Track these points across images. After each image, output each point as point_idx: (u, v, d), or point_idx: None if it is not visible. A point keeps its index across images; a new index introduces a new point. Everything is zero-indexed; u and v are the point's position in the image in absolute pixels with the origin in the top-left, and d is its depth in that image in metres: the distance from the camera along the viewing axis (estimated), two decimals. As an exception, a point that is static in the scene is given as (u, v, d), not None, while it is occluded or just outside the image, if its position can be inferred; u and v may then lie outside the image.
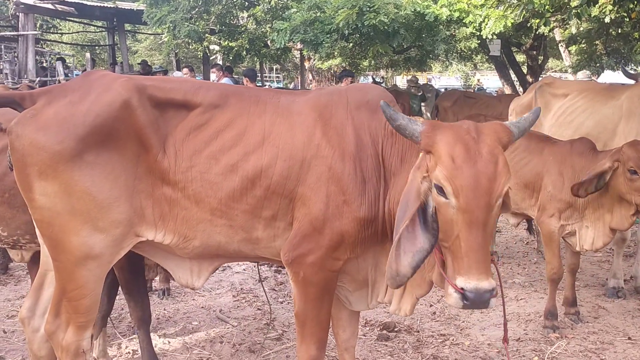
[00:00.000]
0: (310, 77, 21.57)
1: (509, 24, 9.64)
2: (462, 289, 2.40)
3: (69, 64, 18.97)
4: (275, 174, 2.90)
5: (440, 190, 2.44)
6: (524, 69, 17.24)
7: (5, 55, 16.29)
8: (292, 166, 2.90)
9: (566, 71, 21.24)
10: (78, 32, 30.03)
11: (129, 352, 4.38)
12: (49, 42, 26.74)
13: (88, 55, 17.89)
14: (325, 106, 3.02)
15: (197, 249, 3.01)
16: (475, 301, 2.39)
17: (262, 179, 2.89)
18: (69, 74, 16.37)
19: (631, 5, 8.38)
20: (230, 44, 15.54)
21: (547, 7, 7.41)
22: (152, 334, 4.42)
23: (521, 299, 5.41)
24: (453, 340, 4.56)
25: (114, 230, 2.86)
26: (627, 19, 9.79)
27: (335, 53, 14.22)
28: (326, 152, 2.90)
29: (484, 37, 10.38)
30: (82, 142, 2.75)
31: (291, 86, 26.38)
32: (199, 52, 16.61)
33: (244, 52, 15.89)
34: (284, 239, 3.00)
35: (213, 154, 2.91)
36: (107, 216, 2.82)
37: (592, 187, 4.26)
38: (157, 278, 5.37)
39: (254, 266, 6.32)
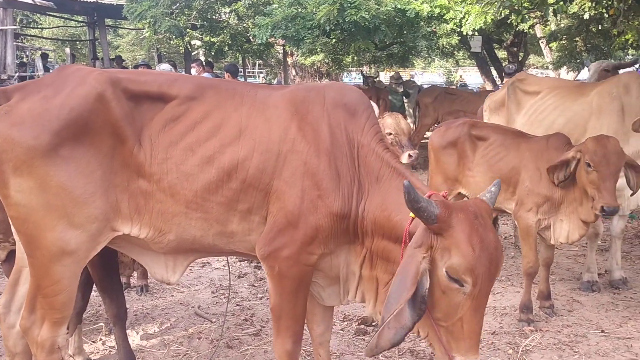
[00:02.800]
0: (294, 73, 21.56)
1: (489, 20, 9.70)
2: None
3: (50, 60, 18.79)
4: (251, 167, 2.91)
5: (455, 277, 2.41)
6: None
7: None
8: (268, 159, 2.91)
9: (547, 67, 21.41)
10: (58, 26, 29.71)
11: (105, 349, 4.37)
12: (29, 37, 26.42)
13: (68, 50, 17.74)
14: (302, 102, 3.03)
15: (172, 242, 3.01)
16: None
17: (239, 171, 2.90)
18: (50, 69, 16.20)
19: (609, 2, 8.49)
20: (212, 39, 15.51)
21: (524, 3, 7.47)
22: (130, 331, 4.42)
23: (497, 293, 5.46)
24: (429, 334, 4.59)
25: (89, 225, 2.85)
26: (606, 16, 9.90)
27: (318, 49, 14.19)
28: (301, 147, 2.92)
29: (465, 33, 10.45)
30: (57, 137, 2.74)
31: (274, 82, 26.32)
32: (180, 48, 16.56)
33: (226, 48, 15.86)
34: (259, 233, 3.01)
35: (189, 146, 2.90)
36: (83, 211, 2.81)
37: (561, 174, 4.41)
38: (134, 274, 5.36)
39: (233, 262, 6.33)
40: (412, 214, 2.57)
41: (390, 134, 5.49)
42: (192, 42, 16.41)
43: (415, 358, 4.22)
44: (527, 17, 8.62)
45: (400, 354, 4.28)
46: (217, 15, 16.05)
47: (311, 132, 2.95)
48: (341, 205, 2.89)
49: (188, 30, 14.49)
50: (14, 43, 16.05)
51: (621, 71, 7.77)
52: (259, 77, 31.43)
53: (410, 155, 5.52)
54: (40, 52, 18.29)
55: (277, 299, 3.02)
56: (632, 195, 4.68)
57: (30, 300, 3.02)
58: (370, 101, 3.41)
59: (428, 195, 2.62)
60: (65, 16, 25.08)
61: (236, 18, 15.46)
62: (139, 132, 2.89)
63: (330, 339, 3.54)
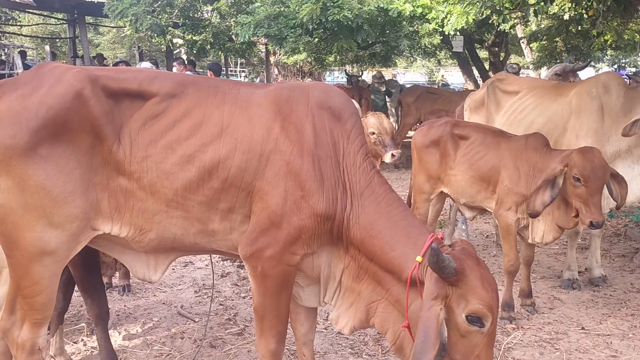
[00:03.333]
0: (276, 72, 21.51)
1: (471, 21, 9.75)
2: None
3: (30, 57, 18.55)
4: (233, 166, 2.89)
5: (476, 320, 2.55)
6: (487, 65, 17.48)
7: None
8: (250, 159, 2.90)
9: (528, 67, 21.59)
10: (38, 24, 29.36)
11: (87, 350, 4.33)
12: (7, 35, 26.08)
13: (48, 48, 17.51)
14: (286, 101, 3.02)
15: (153, 241, 2.99)
16: None
17: (220, 170, 2.88)
18: (30, 67, 15.99)
19: (589, 3, 8.58)
20: (194, 38, 15.39)
21: (506, 4, 7.53)
22: (112, 331, 4.39)
23: (480, 291, 5.49)
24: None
25: (69, 225, 2.81)
26: (586, 17, 10.00)
27: (300, 48, 14.17)
28: (284, 147, 2.91)
29: (447, 33, 10.50)
30: (35, 136, 2.70)
31: (257, 80, 26.27)
32: (162, 46, 16.43)
33: (208, 46, 15.74)
34: (240, 232, 3.00)
35: (169, 144, 2.88)
36: (63, 211, 2.78)
37: (547, 197, 4.28)
38: (116, 274, 5.32)
39: (216, 262, 6.30)
40: (419, 259, 2.73)
41: (374, 133, 5.52)
42: (174, 40, 16.29)
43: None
44: (508, 17, 8.69)
45: (384, 352, 4.30)
46: (199, 13, 15.91)
47: (294, 132, 2.94)
48: (325, 207, 2.89)
49: (170, 28, 14.35)
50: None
51: (601, 71, 7.87)
52: (240, 75, 31.33)
53: (393, 155, 5.55)
54: (18, 50, 18.04)
55: (260, 299, 3.02)
56: (617, 208, 4.69)
57: (10, 301, 2.99)
58: (353, 101, 3.41)
59: (431, 240, 2.78)
60: (45, 13, 24.79)
61: (218, 16, 15.33)
62: (119, 130, 2.85)
63: (314, 338, 3.54)
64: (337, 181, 2.95)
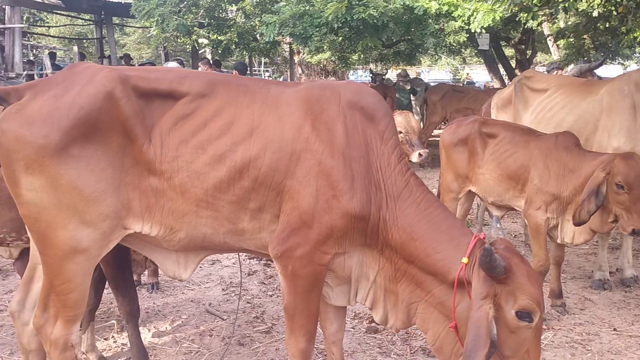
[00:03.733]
0: (300, 71, 21.56)
1: (498, 18, 9.66)
2: None
3: (58, 58, 18.84)
4: (263, 166, 2.89)
5: (525, 316, 2.62)
6: (513, 63, 17.31)
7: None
8: (280, 158, 2.89)
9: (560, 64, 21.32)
10: (65, 25, 29.80)
11: (117, 346, 4.38)
12: (35, 36, 26.50)
13: (75, 48, 17.77)
14: (316, 100, 3.00)
15: (182, 240, 3.00)
16: None
17: (250, 169, 2.88)
18: (61, 67, 16.24)
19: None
20: (219, 38, 15.46)
21: (534, 1, 7.43)
22: (141, 328, 4.43)
23: (508, 291, 5.44)
24: (441, 332, 4.59)
25: (101, 223, 2.84)
26: (615, 13, 9.85)
27: (325, 47, 14.20)
28: (315, 146, 2.90)
29: (473, 31, 10.40)
30: (67, 135, 2.73)
31: (281, 80, 26.33)
32: (187, 46, 16.54)
33: (233, 46, 15.81)
34: (270, 231, 3.00)
35: (200, 144, 2.88)
36: (94, 210, 2.81)
37: (592, 205, 4.24)
38: (145, 272, 5.38)
39: (243, 260, 6.33)
40: (465, 260, 2.77)
41: (401, 132, 5.47)
42: (199, 40, 16.40)
43: (427, 356, 4.22)
44: (537, 14, 8.58)
45: (413, 352, 4.28)
46: (224, 13, 16.04)
47: (326, 131, 2.93)
48: (357, 206, 2.88)
49: (195, 28, 14.48)
50: (21, 41, 16.09)
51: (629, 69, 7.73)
52: (264, 75, 31.44)
53: (420, 154, 5.50)
54: (48, 51, 18.33)
55: (291, 298, 3.01)
56: None
57: (44, 298, 3.03)
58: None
59: (474, 240, 2.83)
60: (72, 14, 25.15)
61: (243, 16, 15.42)
62: (150, 130, 2.87)
63: (343, 337, 3.54)
64: (370, 182, 2.94)
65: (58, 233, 2.81)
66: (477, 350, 2.50)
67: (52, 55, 17.21)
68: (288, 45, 19.23)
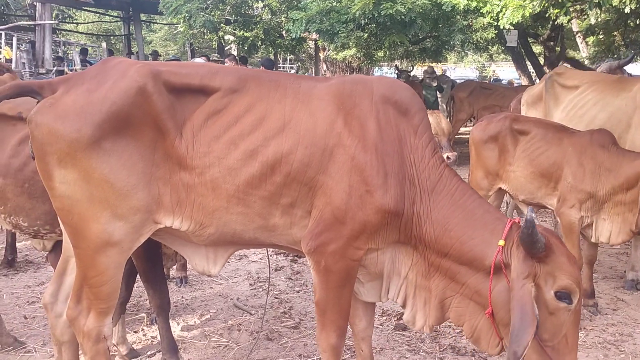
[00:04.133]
0: (325, 68, 21.52)
1: (527, 14, 9.51)
2: None
3: (91, 54, 19.08)
4: (296, 161, 2.87)
5: (565, 297, 2.61)
6: (541, 60, 17.06)
7: (22, 44, 16.40)
8: (313, 153, 2.88)
9: (583, 62, 21.02)
10: (93, 22, 30.16)
11: (147, 339, 4.42)
12: (64, 32, 26.84)
13: (104, 45, 17.97)
14: (348, 95, 2.98)
15: (212, 236, 3.00)
16: None
17: (282, 165, 2.87)
18: (91, 63, 16.44)
19: (652, -4, 8.25)
20: (245, 34, 15.53)
21: (567, -4, 7.30)
22: (170, 321, 4.45)
23: (539, 291, 5.37)
24: (470, 330, 4.54)
25: (132, 217, 2.86)
26: (647, 10, 9.64)
27: (351, 43, 14.10)
28: (348, 141, 2.88)
29: (502, 27, 10.27)
30: (99, 130, 2.75)
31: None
32: (213, 42, 16.64)
33: (259, 42, 15.87)
34: (301, 227, 2.99)
35: (232, 140, 2.88)
36: (126, 203, 2.83)
37: None
38: (174, 266, 5.41)
39: (270, 255, 6.34)
40: (501, 242, 2.73)
41: None
42: (225, 37, 16.48)
43: (457, 354, 4.18)
44: (570, 10, 8.43)
45: (442, 349, 4.25)
46: (251, 10, 16.09)
47: (358, 127, 2.90)
48: (391, 202, 2.85)
49: (222, 25, 14.56)
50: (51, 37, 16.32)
51: None
52: (289, 72, 31.48)
53: (448, 157, 5.44)
54: (79, 47, 18.58)
55: (323, 294, 3.00)
56: None
57: (77, 290, 3.05)
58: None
59: (510, 223, 2.82)
60: (101, 11, 25.45)
61: (269, 13, 15.46)
62: (181, 125, 2.88)
63: (372, 334, 3.52)
64: (404, 177, 2.91)
65: (91, 226, 2.84)
66: (526, 328, 2.48)
67: (84, 52, 17.45)
68: (313, 42, 19.20)
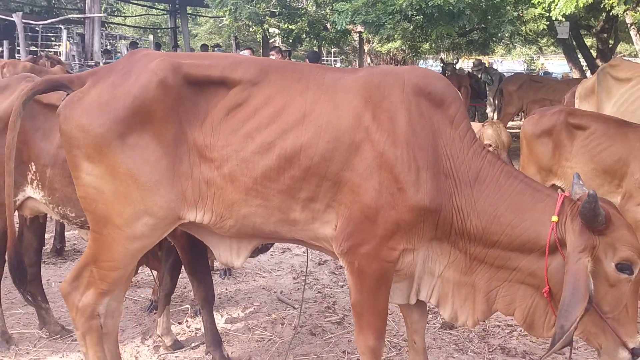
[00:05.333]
0: (369, 60, 21.36)
1: (581, 5, 9.21)
2: (632, 349, 2.59)
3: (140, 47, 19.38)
4: (316, 155, 2.76)
5: (626, 268, 2.55)
6: (593, 53, 16.55)
7: (71, 37, 16.77)
8: (336, 148, 2.76)
9: (636, 55, 20.30)
10: (141, 15, 30.66)
11: (191, 331, 4.41)
12: (112, 25, 27.36)
13: (151, 38, 18.21)
14: (377, 87, 2.85)
15: (232, 228, 2.95)
16: None
17: (302, 158, 2.77)
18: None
19: None
20: (289, 27, 15.49)
21: (625, -15, 7.00)
22: (214, 313, 4.44)
23: (592, 291, 5.18)
24: (521, 331, 4.39)
25: (156, 212, 2.84)
26: None
27: (396, 35, 13.91)
28: (377, 136, 2.75)
29: (554, 18, 9.97)
30: (123, 125, 2.75)
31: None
32: (258, 35, 16.66)
33: (304, 35, 15.81)
34: (323, 223, 2.88)
35: (249, 132, 2.81)
36: (149, 199, 2.81)
37: None
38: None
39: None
40: (554, 219, 2.65)
41: (490, 145, 5.13)
42: (270, 29, 16.49)
43: (507, 355, 4.04)
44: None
45: (491, 350, 4.11)
46: (296, 2, 16.07)
47: (388, 120, 2.76)
48: (425, 199, 2.72)
49: (267, 17, 14.56)
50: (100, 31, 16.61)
51: None
52: (333, 65, 31.41)
53: None
54: (130, 41, 18.90)
55: (358, 296, 2.90)
56: None
57: (81, 267, 3.03)
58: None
59: (562, 198, 2.74)
60: (148, 4, 25.84)
61: (314, 5, 15.38)
62: (203, 118, 2.83)
63: (426, 326, 3.40)
64: (439, 171, 2.77)
65: (114, 218, 2.85)
66: (576, 304, 2.45)
67: (134, 45, 17.72)
68: (358, 34, 19.04)
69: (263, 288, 5.29)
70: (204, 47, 18.49)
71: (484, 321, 3.48)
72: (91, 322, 3.05)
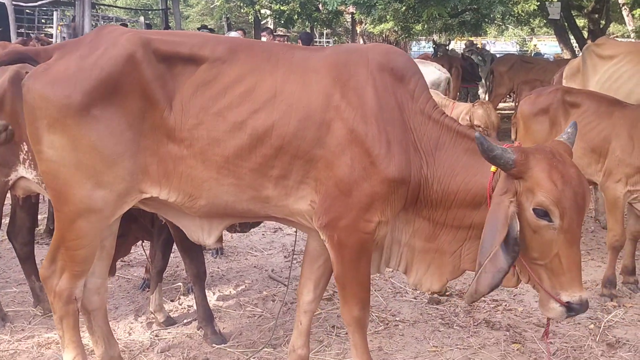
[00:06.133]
0: (362, 42, 21.32)
1: (571, -15, 9.24)
2: (567, 302, 2.53)
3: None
4: (288, 134, 2.82)
5: (543, 214, 2.52)
6: (585, 34, 16.57)
7: (62, 19, 16.65)
8: (307, 127, 2.82)
9: (628, 36, 20.33)
10: (132, -4, 30.35)
11: (184, 308, 4.49)
12: (103, 7, 27.08)
13: (142, 19, 18.08)
14: (344, 65, 2.91)
15: (203, 207, 2.98)
16: (580, 311, 2.57)
17: (273, 137, 2.82)
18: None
19: None
20: (281, 8, 15.43)
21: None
22: (206, 291, 4.51)
23: (577, 267, 5.28)
24: (506, 305, 4.50)
25: (117, 185, 2.87)
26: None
27: (388, 16, 13.90)
28: (346, 114, 2.82)
29: (544, -2, 9.99)
30: (89, 97, 2.77)
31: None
32: (250, 16, 16.58)
33: (295, 16, 15.76)
34: (297, 198, 2.94)
35: (220, 111, 2.84)
36: (111, 171, 2.84)
37: None
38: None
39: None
40: (493, 169, 2.68)
41: (479, 126, 5.16)
42: (262, 10, 16.41)
43: (491, 329, 4.15)
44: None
45: (476, 324, 4.22)
46: (287, -17, 15.99)
47: (356, 98, 2.84)
48: (396, 171, 2.79)
49: (258, -2, 14.52)
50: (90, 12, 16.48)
51: None
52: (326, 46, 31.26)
53: None
54: (120, 23, 18.73)
55: (340, 268, 2.98)
56: None
57: (52, 251, 3.07)
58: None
59: (505, 146, 2.70)
60: (139, -14, 25.56)
61: (306, -15, 15.36)
62: (171, 95, 2.86)
63: (316, 310, 3.46)
64: (407, 143, 2.86)
65: (75, 191, 2.87)
66: (493, 239, 2.49)
67: (124, 27, 17.58)
68: (350, 15, 19.01)
69: (254, 266, 5.37)
70: (204, 28, 18.32)
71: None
72: (68, 306, 3.09)
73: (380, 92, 2.86)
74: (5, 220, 4.46)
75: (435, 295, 4.63)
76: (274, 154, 2.84)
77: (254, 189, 2.91)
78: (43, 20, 20.35)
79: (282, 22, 16.20)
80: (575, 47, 17.11)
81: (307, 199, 2.93)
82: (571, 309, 2.54)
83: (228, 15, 19.53)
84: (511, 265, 2.54)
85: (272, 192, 2.92)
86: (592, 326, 4.17)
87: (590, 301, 4.44)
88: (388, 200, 2.85)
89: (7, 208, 4.36)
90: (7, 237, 4.47)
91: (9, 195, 4.11)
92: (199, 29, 18.03)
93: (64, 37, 15.66)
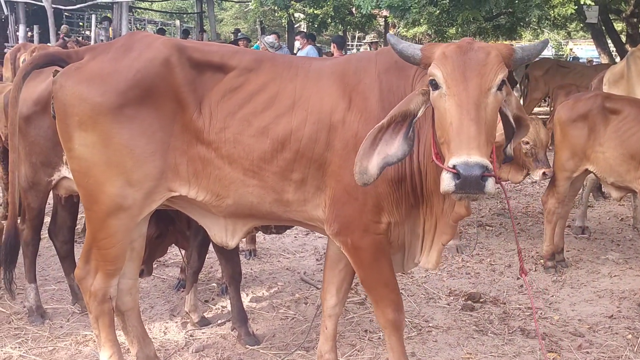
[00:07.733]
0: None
1: (610, -12, 9.07)
2: (452, 167, 2.28)
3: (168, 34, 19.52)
4: (304, 137, 2.91)
5: (434, 84, 2.47)
6: (623, 38, 16.24)
7: (100, 23, 16.97)
8: (319, 130, 2.91)
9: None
10: (167, 0, 30.81)
11: (217, 308, 4.54)
12: (139, 10, 27.54)
13: (178, 22, 18.34)
14: (354, 72, 3.00)
15: (230, 207, 3.07)
16: (466, 178, 2.24)
17: (292, 141, 2.92)
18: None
19: None
20: (315, 12, 15.49)
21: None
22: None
23: (615, 276, 5.18)
24: (541, 314, 4.44)
25: (147, 183, 2.95)
26: None
27: (422, 20, 13.82)
28: (351, 117, 2.90)
29: (582, 2, 9.83)
30: (123, 96, 2.85)
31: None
32: (283, 20, 16.67)
33: (329, 20, 15.80)
34: (315, 205, 3.01)
35: (245, 117, 2.96)
36: (142, 170, 2.92)
37: None
38: (244, 239, 5.52)
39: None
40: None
41: (528, 143, 4.98)
42: (295, 14, 16.49)
43: (526, 337, 4.09)
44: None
45: (511, 331, 4.17)
46: (321, -13, 16.04)
47: (361, 103, 2.91)
48: (395, 171, 2.82)
49: (292, 2, 14.57)
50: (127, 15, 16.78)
51: None
52: (359, 50, 31.22)
53: (544, 174, 5.04)
54: (158, 27, 19.04)
55: (361, 272, 3.04)
56: None
57: (86, 251, 3.16)
58: None
59: None
60: (174, -10, 25.94)
61: (340, -11, 15.37)
62: (200, 100, 2.96)
63: (341, 313, 3.47)
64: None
65: (105, 189, 2.94)
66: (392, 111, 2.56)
67: (161, 32, 17.88)
68: (384, 19, 18.97)
69: (287, 269, 5.39)
70: (237, 32, 18.49)
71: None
72: (103, 305, 3.17)
73: (385, 93, 2.92)
74: (46, 219, 4.56)
75: (469, 302, 4.59)
76: (294, 157, 2.94)
77: (277, 192, 3.00)
78: (81, 23, 20.79)
79: (316, 25, 16.26)
80: (613, 51, 16.79)
81: (321, 207, 3.02)
82: (457, 176, 2.25)
83: (262, 19, 19.68)
84: (405, 155, 2.56)
85: (292, 197, 3.01)
86: (629, 336, 4.09)
87: (627, 310, 4.44)
88: (394, 199, 2.90)
89: (48, 207, 4.46)
90: (47, 235, 4.58)
91: (50, 194, 4.21)
92: (233, 33, 18.22)
93: (101, 40, 15.98)
